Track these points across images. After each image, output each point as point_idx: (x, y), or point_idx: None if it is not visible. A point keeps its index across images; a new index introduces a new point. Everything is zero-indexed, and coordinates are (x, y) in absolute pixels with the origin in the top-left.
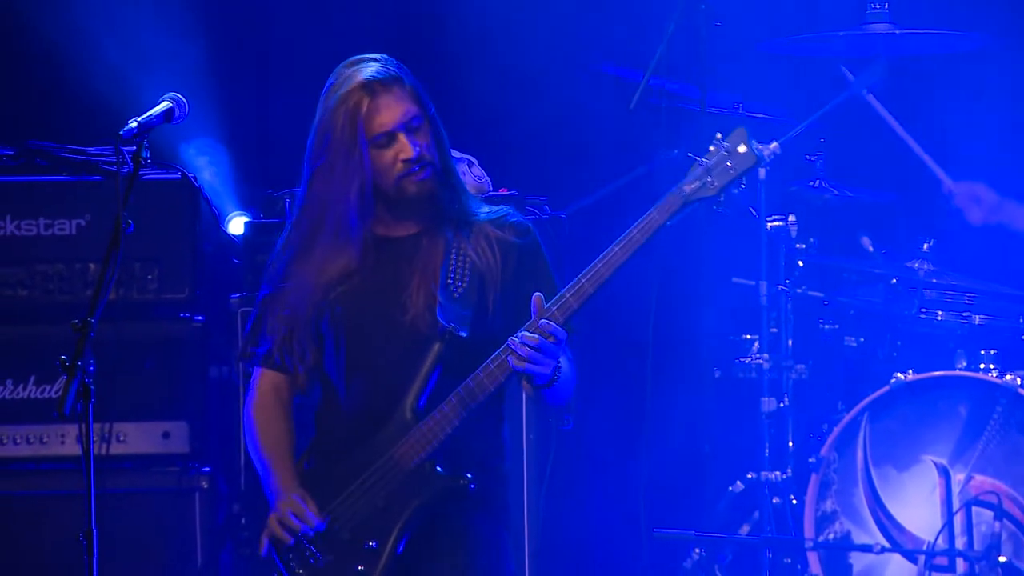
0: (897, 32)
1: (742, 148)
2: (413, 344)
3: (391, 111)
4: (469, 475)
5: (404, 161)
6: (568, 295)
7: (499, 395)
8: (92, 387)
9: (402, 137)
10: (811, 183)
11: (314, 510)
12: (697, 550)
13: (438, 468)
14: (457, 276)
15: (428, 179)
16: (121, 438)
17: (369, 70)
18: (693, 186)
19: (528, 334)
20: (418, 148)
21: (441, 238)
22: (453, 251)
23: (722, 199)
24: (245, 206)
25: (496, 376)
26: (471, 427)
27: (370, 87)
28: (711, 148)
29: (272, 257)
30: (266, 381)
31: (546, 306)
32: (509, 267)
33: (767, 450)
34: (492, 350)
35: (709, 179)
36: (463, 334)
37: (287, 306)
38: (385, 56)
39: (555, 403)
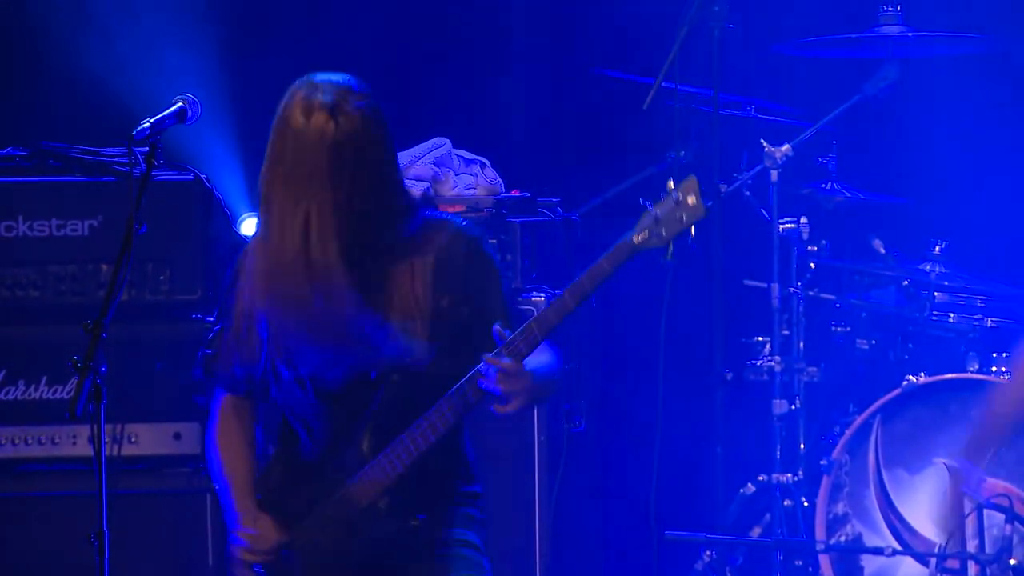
0: (909, 35)
1: (692, 200)
2: (364, 377)
3: None
4: (421, 516)
5: None
6: (518, 338)
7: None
8: (104, 388)
9: None
10: (823, 185)
11: (269, 538)
12: (708, 552)
13: (388, 509)
14: (402, 305)
15: None
16: (132, 439)
17: (318, 112)
18: (642, 236)
19: (501, 360)
20: None
21: (380, 267)
22: (394, 279)
23: (671, 250)
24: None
25: (457, 407)
26: (430, 458)
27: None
28: (662, 198)
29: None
30: (228, 403)
31: (500, 347)
32: (454, 286)
33: (778, 452)
34: (447, 374)
35: (659, 230)
36: (416, 365)
37: (242, 326)
38: (338, 95)
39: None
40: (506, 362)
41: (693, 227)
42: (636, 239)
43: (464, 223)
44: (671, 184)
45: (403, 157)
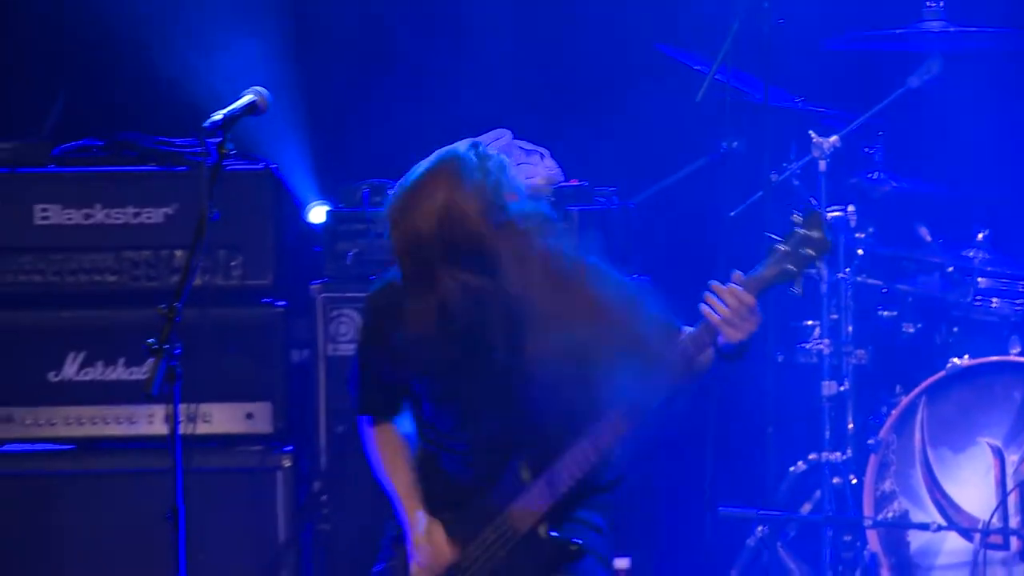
0: (952, 30)
1: (816, 234)
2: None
3: None
4: (578, 540)
5: None
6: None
7: None
8: (179, 369)
9: None
10: (870, 175)
11: (442, 555)
12: (760, 528)
13: (552, 533)
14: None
15: None
16: (207, 418)
17: None
18: (772, 271)
19: (732, 294)
20: None
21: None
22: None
23: (800, 284)
24: (325, 196)
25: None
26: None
27: None
28: (788, 233)
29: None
30: (381, 426)
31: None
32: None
33: (828, 432)
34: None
35: (787, 265)
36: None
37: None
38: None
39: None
40: (743, 295)
41: (820, 261)
42: (767, 274)
43: None
44: (797, 218)
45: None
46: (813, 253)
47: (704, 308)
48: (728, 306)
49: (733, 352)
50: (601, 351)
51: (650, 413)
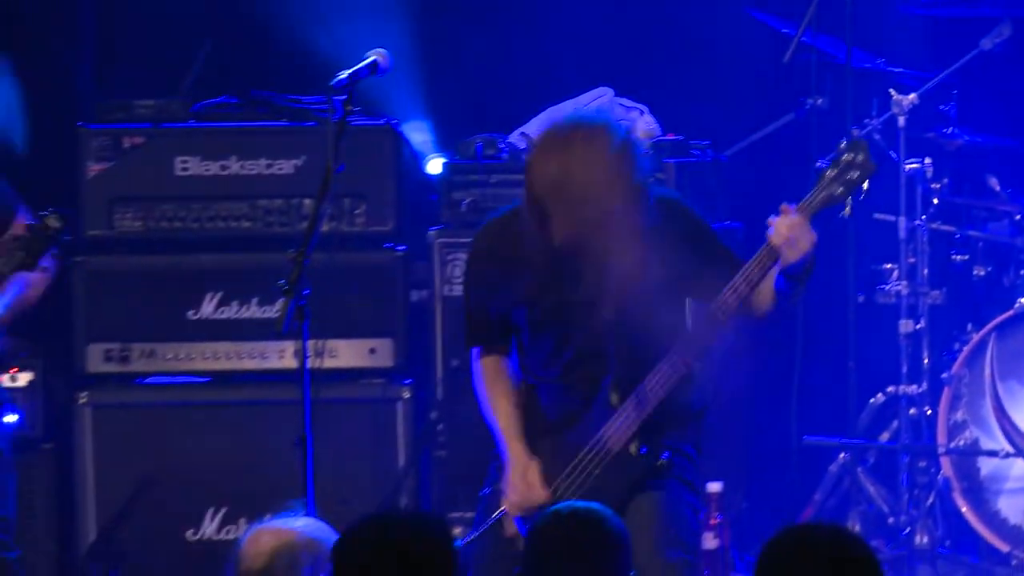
0: None
1: (862, 157)
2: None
3: None
4: (666, 455)
5: None
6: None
7: None
8: (307, 309)
9: None
10: (945, 130)
11: (536, 495)
12: (842, 455)
13: (642, 450)
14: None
15: None
16: (333, 354)
17: None
18: (821, 195)
19: (786, 216)
20: None
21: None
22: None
23: (850, 205)
24: (442, 149)
25: (717, 322)
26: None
27: None
28: (834, 159)
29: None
30: (488, 357)
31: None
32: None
33: (905, 367)
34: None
35: (836, 189)
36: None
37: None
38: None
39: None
40: (795, 217)
41: (866, 182)
42: (816, 197)
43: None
44: (843, 145)
45: (569, 105)
46: (858, 175)
47: (769, 232)
48: (785, 227)
49: (797, 273)
50: (681, 283)
51: (724, 331)
